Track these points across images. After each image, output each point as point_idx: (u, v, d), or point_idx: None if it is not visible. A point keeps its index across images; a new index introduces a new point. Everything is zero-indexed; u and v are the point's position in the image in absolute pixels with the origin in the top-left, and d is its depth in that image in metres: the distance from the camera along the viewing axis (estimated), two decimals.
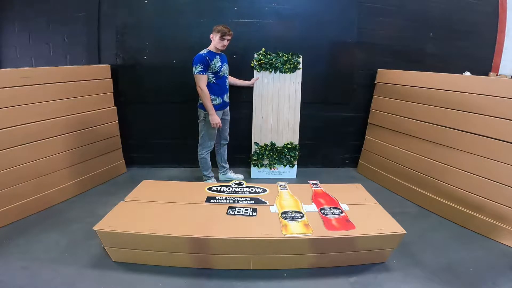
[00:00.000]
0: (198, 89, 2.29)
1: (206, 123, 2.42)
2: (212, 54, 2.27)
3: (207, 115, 2.36)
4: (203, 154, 2.54)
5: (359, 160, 3.16)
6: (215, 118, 2.34)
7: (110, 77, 2.73)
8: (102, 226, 1.58)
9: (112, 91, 2.76)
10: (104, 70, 2.68)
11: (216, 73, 2.31)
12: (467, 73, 2.55)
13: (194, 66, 2.22)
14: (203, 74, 2.23)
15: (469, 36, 3.02)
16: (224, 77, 2.40)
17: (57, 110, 2.26)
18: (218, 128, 2.50)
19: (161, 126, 3.02)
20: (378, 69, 2.88)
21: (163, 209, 1.78)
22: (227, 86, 2.49)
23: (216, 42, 2.25)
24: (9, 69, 2.06)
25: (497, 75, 3.00)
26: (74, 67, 2.44)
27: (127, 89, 2.90)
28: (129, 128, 2.99)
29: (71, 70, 2.39)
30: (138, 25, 2.77)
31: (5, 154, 1.94)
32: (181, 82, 2.85)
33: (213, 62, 2.26)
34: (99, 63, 2.80)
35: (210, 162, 2.62)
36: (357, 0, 2.82)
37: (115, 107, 2.80)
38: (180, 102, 2.93)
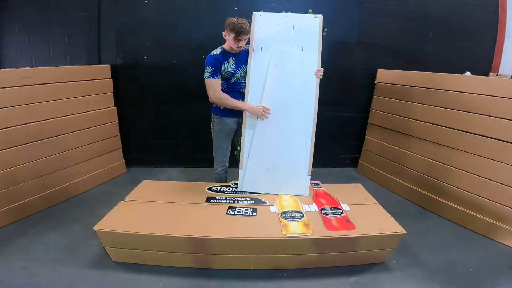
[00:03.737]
0: (212, 98, 1.88)
1: (214, 132, 2.06)
2: (225, 55, 1.86)
3: (215, 123, 2.03)
4: (217, 170, 2.15)
5: (359, 160, 3.16)
6: (255, 110, 1.89)
7: (110, 77, 2.72)
8: (102, 226, 1.58)
9: (112, 91, 2.76)
10: (104, 70, 2.68)
11: (226, 79, 1.91)
12: (467, 73, 2.55)
13: (204, 69, 1.86)
14: (213, 78, 1.83)
15: (469, 36, 3.01)
16: (238, 83, 1.97)
17: (57, 110, 2.26)
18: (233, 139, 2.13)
19: (161, 126, 3.02)
20: (378, 69, 2.88)
21: (163, 209, 1.78)
22: (242, 91, 2.00)
23: (230, 42, 1.81)
24: (9, 69, 2.06)
25: (497, 75, 3.00)
26: (74, 67, 2.44)
27: (127, 89, 2.89)
28: (129, 128, 2.99)
29: (71, 70, 2.39)
30: (138, 25, 2.77)
31: (5, 154, 1.94)
32: (181, 82, 2.86)
33: (225, 65, 1.87)
34: (99, 63, 2.80)
35: (226, 180, 2.22)
36: (357, 0, 2.82)
37: (115, 107, 2.80)
38: (180, 102, 2.93)
